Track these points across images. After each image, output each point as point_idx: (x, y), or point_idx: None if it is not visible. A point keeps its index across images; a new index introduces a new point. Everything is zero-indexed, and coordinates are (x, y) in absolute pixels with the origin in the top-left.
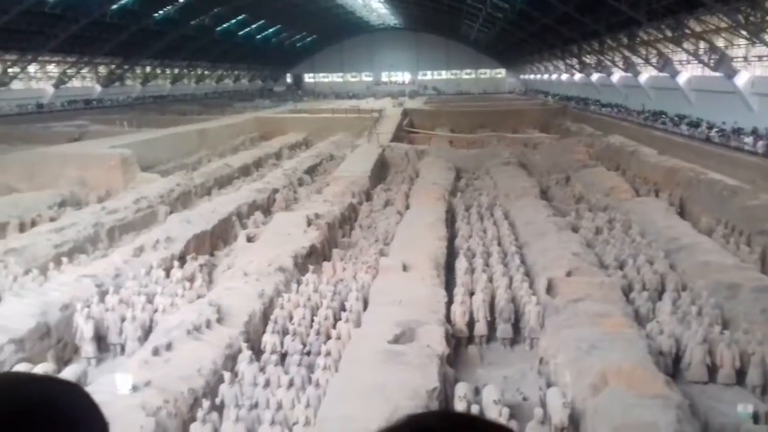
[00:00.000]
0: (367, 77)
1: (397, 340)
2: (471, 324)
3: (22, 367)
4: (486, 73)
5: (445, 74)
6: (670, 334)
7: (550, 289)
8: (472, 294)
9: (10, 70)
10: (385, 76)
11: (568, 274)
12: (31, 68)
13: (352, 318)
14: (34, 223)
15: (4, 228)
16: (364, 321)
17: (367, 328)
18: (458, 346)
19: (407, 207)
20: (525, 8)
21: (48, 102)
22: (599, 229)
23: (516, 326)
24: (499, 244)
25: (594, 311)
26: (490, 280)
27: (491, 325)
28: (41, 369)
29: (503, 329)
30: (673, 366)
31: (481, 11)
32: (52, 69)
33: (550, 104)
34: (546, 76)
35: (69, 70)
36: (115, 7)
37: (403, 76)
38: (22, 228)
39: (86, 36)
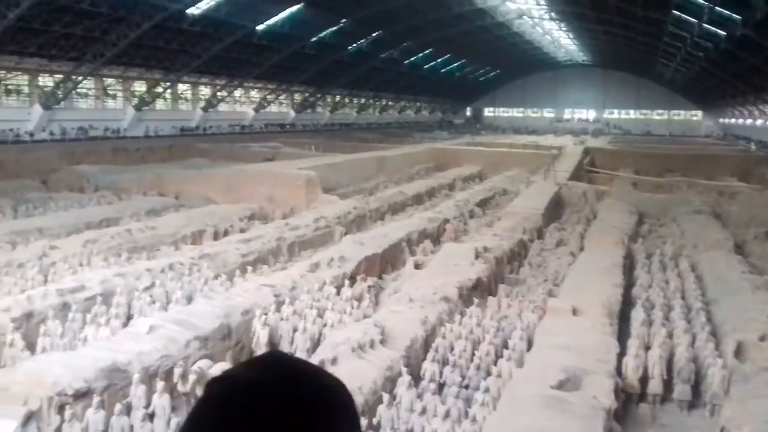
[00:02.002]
0: (548, 113)
1: (560, 386)
2: (644, 380)
3: (203, 364)
4: (680, 115)
5: (633, 113)
6: None
7: (739, 352)
8: (647, 348)
9: (219, 93)
10: (568, 113)
11: (762, 338)
12: (237, 93)
13: (515, 357)
14: (226, 233)
15: (201, 235)
16: (526, 362)
17: (530, 370)
18: (628, 403)
19: (581, 249)
20: (730, 47)
21: (249, 124)
22: None
23: (695, 389)
24: (683, 297)
25: None
26: (670, 335)
27: (667, 384)
28: (219, 368)
29: (681, 390)
30: None
31: (680, 50)
32: (254, 94)
33: (752, 151)
34: (749, 121)
35: (269, 96)
36: (314, 39)
37: (587, 114)
38: (216, 236)
39: (286, 65)
